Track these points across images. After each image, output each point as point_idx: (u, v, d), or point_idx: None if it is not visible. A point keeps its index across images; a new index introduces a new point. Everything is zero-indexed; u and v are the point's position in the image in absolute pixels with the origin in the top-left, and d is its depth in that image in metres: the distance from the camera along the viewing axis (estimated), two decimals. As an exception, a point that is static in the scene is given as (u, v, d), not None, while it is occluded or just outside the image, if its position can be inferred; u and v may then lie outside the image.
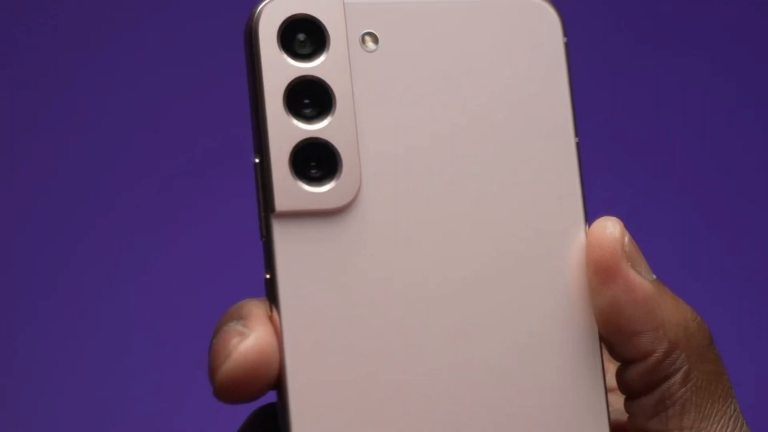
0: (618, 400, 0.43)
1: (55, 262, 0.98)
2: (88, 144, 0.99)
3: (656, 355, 0.42)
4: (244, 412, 0.43)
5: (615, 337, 0.42)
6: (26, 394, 0.97)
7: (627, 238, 0.43)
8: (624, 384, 0.43)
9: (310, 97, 0.42)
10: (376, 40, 0.43)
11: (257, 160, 0.41)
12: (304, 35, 0.42)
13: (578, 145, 0.43)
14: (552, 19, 0.44)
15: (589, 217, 0.43)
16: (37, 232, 0.98)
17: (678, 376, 0.42)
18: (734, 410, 0.43)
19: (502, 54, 0.43)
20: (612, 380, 0.43)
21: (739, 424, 0.42)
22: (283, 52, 0.42)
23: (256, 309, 0.41)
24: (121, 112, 1.00)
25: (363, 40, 0.42)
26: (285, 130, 0.41)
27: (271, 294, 0.41)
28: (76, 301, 0.98)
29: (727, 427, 0.42)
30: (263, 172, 0.41)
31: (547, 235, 0.43)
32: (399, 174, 0.42)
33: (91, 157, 0.99)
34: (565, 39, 0.44)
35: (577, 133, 0.43)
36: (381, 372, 0.41)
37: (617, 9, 1.06)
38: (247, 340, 0.40)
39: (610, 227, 0.43)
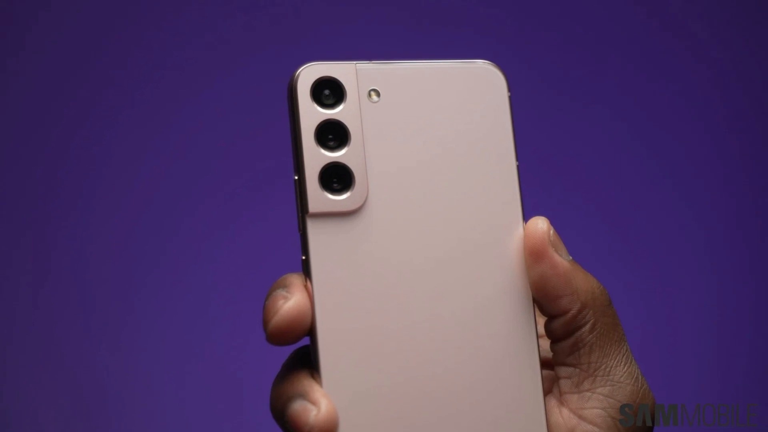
0: (545, 343, 0.43)
1: (164, 249, 0.98)
2: (190, 164, 0.99)
3: (572, 312, 0.42)
4: (287, 351, 0.42)
5: (543, 299, 0.42)
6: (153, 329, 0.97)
7: (552, 231, 0.42)
8: (549, 332, 0.42)
9: (332, 134, 0.41)
10: (378, 94, 0.42)
11: (296, 177, 0.41)
12: (328, 91, 0.42)
13: (518, 167, 0.43)
14: (500, 79, 0.44)
15: (526, 216, 0.43)
16: (154, 229, 0.98)
17: (587, 327, 0.42)
18: (626, 350, 0.42)
19: (464, 104, 0.43)
20: (541, 329, 0.43)
21: (629, 360, 0.42)
22: (313, 102, 0.41)
23: (296, 280, 0.41)
24: (208, 146, 1.00)
25: (369, 94, 0.42)
26: (315, 157, 0.41)
27: (305, 270, 0.41)
28: (179, 273, 0.98)
29: (621, 362, 0.42)
30: (300, 186, 0.41)
31: (496, 228, 0.42)
32: (393, 187, 0.42)
33: (193, 172, 0.99)
34: (509, 93, 0.44)
35: (517, 158, 0.43)
36: (381, 322, 0.41)
37: (546, 74, 1.06)
38: (289, 302, 0.40)
39: (540, 223, 0.42)
